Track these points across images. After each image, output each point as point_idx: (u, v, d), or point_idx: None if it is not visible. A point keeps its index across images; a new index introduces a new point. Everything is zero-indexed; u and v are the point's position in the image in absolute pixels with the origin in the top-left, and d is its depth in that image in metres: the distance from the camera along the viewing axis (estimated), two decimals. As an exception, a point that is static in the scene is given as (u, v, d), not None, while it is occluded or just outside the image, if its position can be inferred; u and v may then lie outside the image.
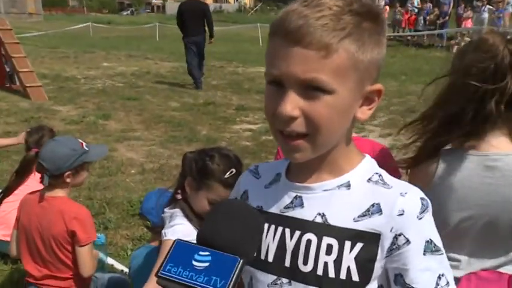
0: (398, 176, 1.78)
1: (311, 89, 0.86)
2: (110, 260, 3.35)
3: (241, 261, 0.77)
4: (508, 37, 1.45)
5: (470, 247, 1.51)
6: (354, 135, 1.04)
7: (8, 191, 3.13)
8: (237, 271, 0.76)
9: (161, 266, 0.78)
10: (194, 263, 0.77)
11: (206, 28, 10.17)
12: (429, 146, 1.52)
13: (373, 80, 0.93)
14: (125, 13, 63.98)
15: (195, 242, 0.82)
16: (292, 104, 0.87)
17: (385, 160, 1.74)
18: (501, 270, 1.50)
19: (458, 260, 1.51)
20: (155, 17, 46.60)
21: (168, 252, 0.79)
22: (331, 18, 0.84)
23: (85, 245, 2.52)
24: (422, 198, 0.96)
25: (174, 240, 0.81)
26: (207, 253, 0.78)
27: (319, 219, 0.96)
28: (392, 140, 6.58)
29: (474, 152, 1.46)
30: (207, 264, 0.77)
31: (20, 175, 3.01)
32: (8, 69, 10.18)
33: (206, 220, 0.86)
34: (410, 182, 1.65)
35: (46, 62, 14.63)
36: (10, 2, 24.12)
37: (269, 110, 0.92)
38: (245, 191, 1.12)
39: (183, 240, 0.81)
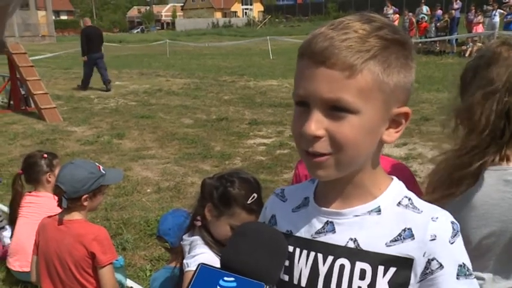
0: (420, 194, 1.75)
1: (336, 109, 0.87)
2: (129, 282, 3.35)
3: (267, 287, 0.76)
4: None
5: (494, 265, 1.47)
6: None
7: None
8: None
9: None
10: None
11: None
12: (473, 170, 1.43)
13: (401, 103, 0.94)
14: (135, 31, 64.82)
15: (218, 266, 0.81)
16: (317, 124, 0.88)
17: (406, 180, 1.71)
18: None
19: (482, 279, 1.48)
20: (165, 33, 47.15)
21: (192, 276, 0.78)
22: (356, 41, 0.86)
23: (106, 266, 2.52)
24: (452, 222, 0.96)
25: (198, 265, 0.80)
26: (232, 279, 0.78)
27: (351, 245, 0.96)
28: (408, 149, 6.54)
29: (493, 166, 1.43)
30: None
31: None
32: (23, 92, 10.35)
33: (230, 244, 0.85)
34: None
35: (60, 83, 14.83)
36: (24, 25, 24.63)
37: (295, 130, 0.93)
38: (273, 215, 1.12)
39: (207, 265, 0.80)
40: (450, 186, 1.46)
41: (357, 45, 0.85)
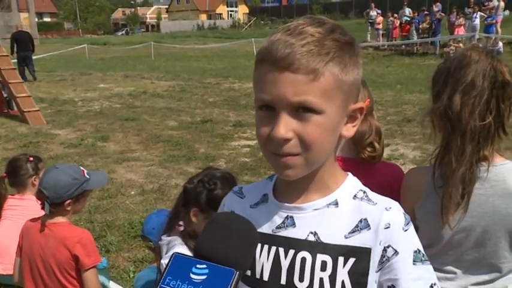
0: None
1: (302, 111, 0.91)
2: (112, 284, 3.36)
3: (237, 273, 0.80)
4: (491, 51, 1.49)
5: (465, 260, 1.53)
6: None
7: None
8: (233, 283, 0.79)
9: (160, 279, 0.80)
10: (192, 275, 0.80)
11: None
12: (475, 177, 1.47)
13: (356, 99, 0.99)
14: (119, 33, 64.37)
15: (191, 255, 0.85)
16: (286, 127, 0.91)
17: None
18: (496, 283, 1.52)
19: (454, 273, 1.53)
20: (150, 36, 46.91)
21: (167, 265, 0.81)
22: (315, 45, 0.90)
23: (90, 269, 2.52)
24: (404, 213, 1.01)
25: (172, 254, 0.83)
26: (204, 266, 0.81)
27: (311, 238, 1.00)
28: (390, 150, 6.61)
29: None
30: (204, 276, 0.79)
31: None
32: (5, 95, 10.25)
33: (202, 233, 0.88)
34: (402, 193, 1.67)
35: (43, 86, 14.72)
36: (6, 27, 24.31)
37: (262, 134, 0.95)
38: (231, 212, 1.14)
39: (181, 254, 0.84)
40: (461, 200, 1.48)
41: (316, 49, 0.90)
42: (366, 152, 1.79)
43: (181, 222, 1.96)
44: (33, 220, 2.66)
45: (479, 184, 1.47)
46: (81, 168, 2.67)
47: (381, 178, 1.66)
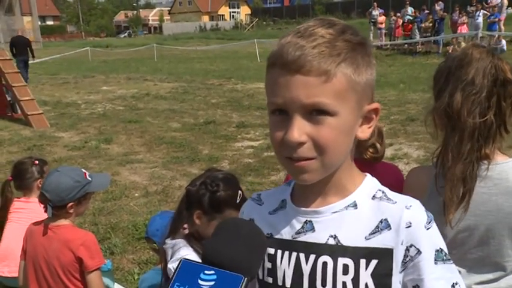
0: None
1: (315, 113, 0.90)
2: (117, 286, 3.36)
3: (245, 279, 0.79)
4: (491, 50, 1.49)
5: (469, 259, 1.52)
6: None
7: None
8: None
9: (168, 286, 0.80)
10: (200, 282, 0.79)
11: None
12: (475, 174, 1.47)
13: (370, 100, 0.98)
14: (122, 36, 64.55)
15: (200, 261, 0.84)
16: (300, 130, 0.90)
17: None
18: (500, 282, 1.52)
19: (458, 272, 1.52)
20: (152, 38, 47.01)
21: (175, 271, 0.81)
22: (326, 46, 0.89)
23: (94, 271, 2.53)
24: (426, 210, 1.00)
25: (180, 260, 0.83)
26: (212, 272, 0.80)
27: (331, 241, 0.98)
28: (394, 150, 6.60)
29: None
30: (212, 283, 0.79)
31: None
32: (9, 99, 10.29)
33: (211, 239, 0.88)
34: (404, 193, 1.66)
35: (46, 89, 14.78)
36: (9, 31, 24.44)
37: (276, 139, 0.94)
38: (251, 219, 1.12)
39: (189, 260, 0.83)
40: (461, 199, 1.47)
41: (328, 50, 0.89)
42: (368, 153, 1.78)
43: (185, 226, 1.95)
44: (37, 223, 2.66)
45: (481, 183, 1.46)
46: (83, 170, 2.68)
47: (382, 178, 1.66)
